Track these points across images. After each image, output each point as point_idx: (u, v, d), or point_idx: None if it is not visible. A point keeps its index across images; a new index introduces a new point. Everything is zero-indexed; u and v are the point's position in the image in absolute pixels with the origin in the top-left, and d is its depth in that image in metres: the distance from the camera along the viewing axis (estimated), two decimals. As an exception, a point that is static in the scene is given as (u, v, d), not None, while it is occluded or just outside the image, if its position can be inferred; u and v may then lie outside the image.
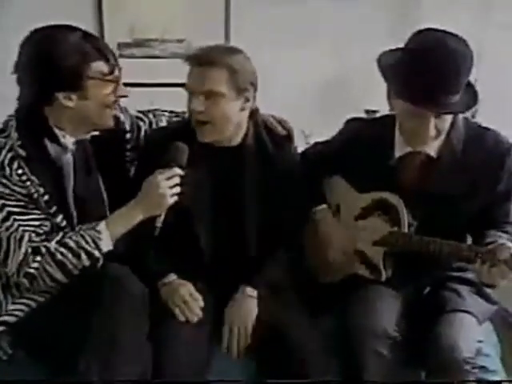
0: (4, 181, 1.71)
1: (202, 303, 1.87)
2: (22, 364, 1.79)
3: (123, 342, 1.64)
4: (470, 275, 1.99)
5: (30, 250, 1.71)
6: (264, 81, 3.29)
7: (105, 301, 1.65)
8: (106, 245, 1.77)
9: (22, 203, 1.73)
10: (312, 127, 3.25)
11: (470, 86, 1.81)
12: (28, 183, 1.73)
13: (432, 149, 1.89)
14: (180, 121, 2.10)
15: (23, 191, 1.72)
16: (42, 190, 1.74)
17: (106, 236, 1.76)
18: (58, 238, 1.75)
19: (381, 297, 1.92)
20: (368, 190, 1.97)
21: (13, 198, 1.72)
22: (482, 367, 1.87)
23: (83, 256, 1.74)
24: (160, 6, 3.39)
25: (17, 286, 1.80)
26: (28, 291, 1.79)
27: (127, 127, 2.01)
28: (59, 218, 1.78)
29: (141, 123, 2.08)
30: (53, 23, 1.77)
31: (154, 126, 2.10)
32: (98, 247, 1.75)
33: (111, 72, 1.77)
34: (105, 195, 1.90)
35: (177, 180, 1.79)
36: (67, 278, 1.75)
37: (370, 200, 1.97)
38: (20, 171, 1.72)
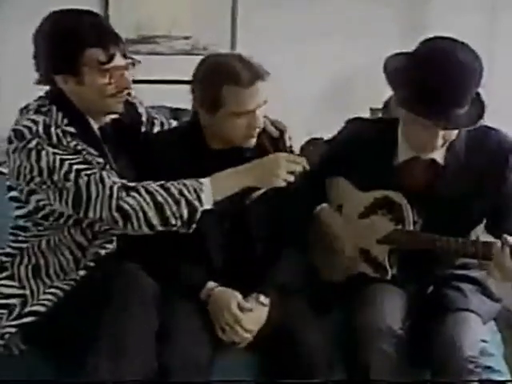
0: (63, 148, 1.71)
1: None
2: (33, 360, 1.78)
3: (132, 338, 1.63)
4: (474, 273, 1.98)
5: (117, 185, 1.69)
6: (270, 79, 3.31)
7: (116, 297, 1.65)
8: (207, 200, 1.73)
9: (86, 160, 1.73)
10: (317, 126, 3.25)
11: (477, 96, 1.79)
12: (84, 152, 1.74)
13: (437, 154, 1.87)
14: (182, 125, 2.09)
15: (84, 154, 1.73)
16: (97, 157, 1.76)
17: (208, 190, 1.73)
18: (159, 182, 1.73)
19: (386, 295, 1.91)
20: (370, 189, 1.96)
21: (76, 158, 1.71)
22: (487, 367, 1.86)
23: (183, 204, 1.70)
24: (166, 3, 3.40)
25: (46, 268, 1.79)
26: (57, 275, 1.78)
27: (144, 119, 2.02)
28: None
29: (155, 120, 2.08)
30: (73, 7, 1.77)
31: (165, 126, 2.10)
32: (199, 198, 1.71)
33: (108, 61, 1.72)
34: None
35: (298, 167, 1.80)
36: (163, 225, 1.71)
37: (372, 198, 1.96)
38: (74, 142, 1.73)
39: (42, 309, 1.76)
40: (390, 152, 1.93)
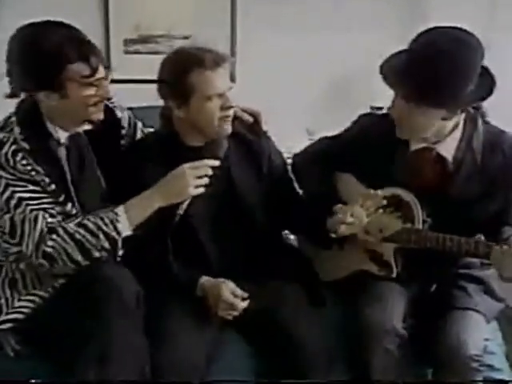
0: (11, 170, 1.73)
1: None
2: (28, 361, 1.78)
3: (117, 343, 1.63)
4: (477, 273, 1.98)
5: (45, 230, 1.73)
6: (268, 76, 3.31)
7: (98, 302, 1.65)
8: (125, 228, 1.77)
9: (31, 188, 1.75)
10: (316, 124, 3.25)
11: (485, 78, 1.79)
12: (33, 173, 1.75)
13: (445, 149, 1.87)
14: (158, 130, 2.07)
15: (30, 179, 1.75)
16: (47, 179, 1.76)
17: (124, 219, 1.77)
18: (77, 220, 1.77)
19: (390, 293, 1.91)
20: (380, 186, 1.93)
21: (21, 185, 1.74)
22: (488, 365, 1.87)
23: (102, 237, 1.74)
24: (166, 2, 3.39)
25: (23, 281, 1.81)
26: (34, 286, 1.80)
27: (123, 123, 2.01)
28: (69, 206, 1.79)
29: (138, 122, 2.08)
30: (47, 19, 1.74)
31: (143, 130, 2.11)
32: (116, 229, 1.75)
33: (92, 75, 1.73)
34: (103, 186, 1.90)
35: (205, 171, 1.80)
36: (87, 260, 1.74)
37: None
38: (24, 162, 1.74)
39: (19, 316, 1.78)
40: (401, 146, 1.92)
